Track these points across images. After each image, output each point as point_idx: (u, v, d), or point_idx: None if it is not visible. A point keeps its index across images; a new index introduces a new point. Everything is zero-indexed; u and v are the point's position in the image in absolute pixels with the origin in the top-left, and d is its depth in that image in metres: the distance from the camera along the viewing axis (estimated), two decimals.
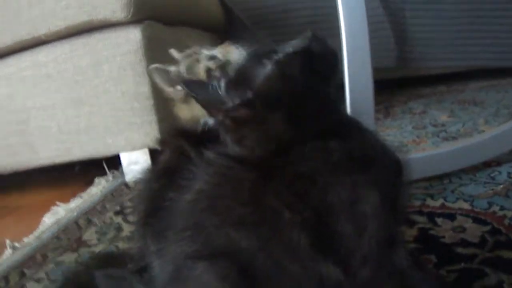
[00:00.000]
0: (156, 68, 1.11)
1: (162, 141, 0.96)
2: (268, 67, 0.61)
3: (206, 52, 1.07)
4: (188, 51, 1.10)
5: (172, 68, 1.10)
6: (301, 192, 0.58)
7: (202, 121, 1.01)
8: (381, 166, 0.61)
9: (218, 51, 1.07)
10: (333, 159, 0.59)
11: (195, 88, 0.69)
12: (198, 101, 0.68)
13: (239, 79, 0.63)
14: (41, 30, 1.62)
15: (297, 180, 0.58)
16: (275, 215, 0.57)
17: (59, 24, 1.59)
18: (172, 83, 1.08)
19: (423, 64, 2.42)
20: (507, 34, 2.34)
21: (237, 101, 0.62)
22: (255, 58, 0.64)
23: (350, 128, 0.65)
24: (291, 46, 0.63)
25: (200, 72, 1.05)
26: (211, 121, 0.98)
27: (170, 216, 0.67)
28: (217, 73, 1.02)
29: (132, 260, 0.99)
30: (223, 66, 1.03)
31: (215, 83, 0.63)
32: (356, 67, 1.08)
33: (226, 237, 0.57)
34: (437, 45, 2.38)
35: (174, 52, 1.13)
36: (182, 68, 1.08)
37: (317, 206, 0.57)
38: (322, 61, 0.63)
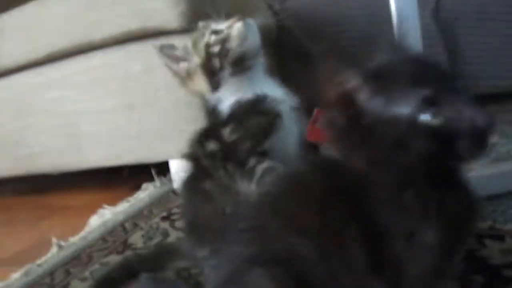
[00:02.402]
0: (163, 46, 1.10)
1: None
2: None
3: (214, 26, 1.06)
4: (202, 24, 1.09)
5: (180, 45, 1.10)
6: (372, 214, 0.56)
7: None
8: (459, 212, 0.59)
9: (226, 25, 1.05)
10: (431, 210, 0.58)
11: None
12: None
13: None
14: (96, 35, 1.64)
15: (375, 204, 0.57)
16: (341, 228, 0.56)
17: (113, 30, 1.60)
18: (177, 60, 1.08)
19: (475, 83, 2.35)
20: None
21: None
22: None
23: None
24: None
25: (201, 47, 1.04)
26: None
27: (232, 216, 0.67)
28: (215, 49, 1.02)
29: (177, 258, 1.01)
30: (222, 41, 1.02)
31: None
32: None
33: (287, 243, 0.57)
34: (489, 63, 2.31)
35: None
36: (189, 43, 1.08)
37: (384, 228, 0.56)
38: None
